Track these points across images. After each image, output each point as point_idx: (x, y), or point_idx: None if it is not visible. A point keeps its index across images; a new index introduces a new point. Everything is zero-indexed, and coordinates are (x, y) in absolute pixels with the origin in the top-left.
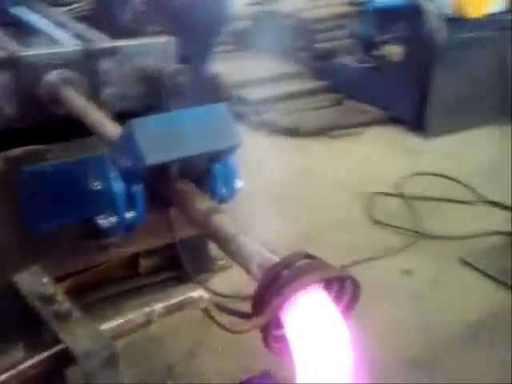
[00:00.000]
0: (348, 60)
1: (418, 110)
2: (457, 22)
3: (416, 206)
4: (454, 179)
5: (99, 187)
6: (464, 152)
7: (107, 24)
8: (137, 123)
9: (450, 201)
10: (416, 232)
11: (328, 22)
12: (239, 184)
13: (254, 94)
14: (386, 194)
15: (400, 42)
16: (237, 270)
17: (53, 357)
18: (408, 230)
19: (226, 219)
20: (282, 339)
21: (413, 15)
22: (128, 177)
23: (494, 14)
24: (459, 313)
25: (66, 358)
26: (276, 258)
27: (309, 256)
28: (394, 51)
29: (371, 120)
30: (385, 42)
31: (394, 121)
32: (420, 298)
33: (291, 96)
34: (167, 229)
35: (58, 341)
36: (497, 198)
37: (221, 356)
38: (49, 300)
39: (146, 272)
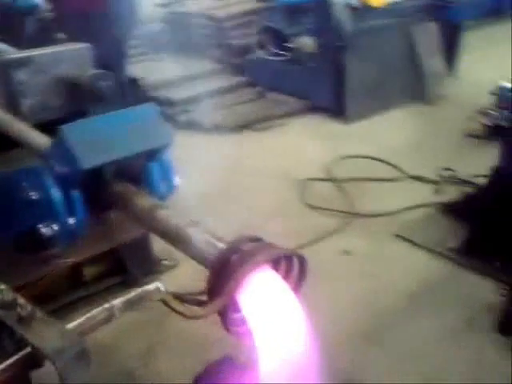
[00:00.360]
0: (263, 54)
1: (336, 97)
2: (363, 11)
3: (346, 187)
4: (378, 159)
5: (36, 197)
6: (383, 133)
7: (15, 36)
8: (68, 129)
9: (377, 180)
10: (349, 213)
11: (239, 18)
12: (177, 180)
13: (176, 94)
14: (317, 179)
15: (311, 33)
16: (181, 270)
17: (19, 361)
18: (342, 211)
19: (170, 214)
20: (241, 321)
21: (321, 6)
22: (64, 183)
23: (396, 2)
24: (399, 284)
25: (31, 362)
26: (224, 245)
27: (254, 239)
28: (306, 43)
29: (294, 110)
30: (296, 35)
31: (315, 109)
32: (362, 274)
33: (213, 93)
34: (108, 234)
35: (20, 347)
36: (419, 173)
37: (178, 354)
38: (10, 305)
39: (90, 280)
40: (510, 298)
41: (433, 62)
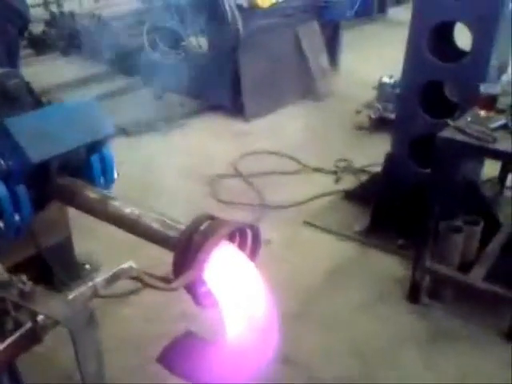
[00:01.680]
0: (156, 55)
1: (233, 96)
2: (251, 11)
3: (254, 182)
4: (280, 154)
5: None
6: (280, 129)
7: None
8: (13, 122)
9: (282, 173)
10: (261, 205)
11: (127, 18)
12: (115, 173)
13: (69, 98)
14: (226, 176)
15: (204, 33)
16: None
17: (22, 337)
18: (253, 204)
19: (122, 203)
20: (207, 294)
21: (211, 6)
22: (9, 178)
23: (280, 3)
24: (315, 266)
25: (34, 337)
26: (183, 226)
27: (210, 217)
28: (199, 43)
29: (193, 110)
30: (189, 35)
31: (214, 109)
32: (282, 260)
33: (107, 96)
34: (31, 239)
35: (20, 324)
36: (318, 165)
37: (120, 352)
38: (9, 284)
39: None
40: (413, 273)
41: (319, 59)
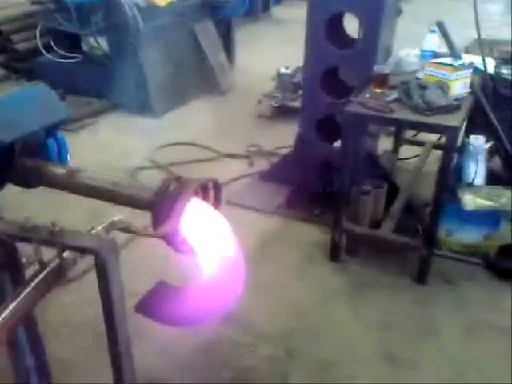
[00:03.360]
0: (53, 57)
1: (138, 94)
2: (149, 10)
3: (174, 171)
4: (192, 144)
5: None
6: (188, 122)
7: None
8: None
9: (198, 161)
10: None
11: (20, 21)
12: (69, 156)
13: None
14: (145, 168)
15: (103, 33)
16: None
17: (51, 272)
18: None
19: (91, 174)
20: (184, 242)
21: (109, 6)
22: None
23: (176, 2)
24: (245, 241)
25: (60, 272)
26: (153, 188)
27: (175, 178)
28: (99, 43)
29: (99, 110)
30: (88, 35)
31: (120, 107)
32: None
33: None
34: None
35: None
36: (230, 151)
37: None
38: (38, 227)
39: None
40: (332, 236)
41: (217, 56)
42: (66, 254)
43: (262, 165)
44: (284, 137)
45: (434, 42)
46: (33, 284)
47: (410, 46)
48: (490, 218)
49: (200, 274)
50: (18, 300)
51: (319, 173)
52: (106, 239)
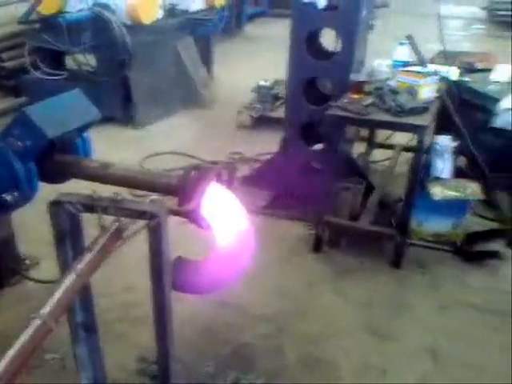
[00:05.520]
0: (39, 74)
1: (123, 107)
2: (135, 28)
3: None
4: (177, 153)
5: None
6: (173, 134)
7: None
8: (30, 109)
9: (184, 169)
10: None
11: (7, 41)
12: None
13: None
14: None
15: (90, 50)
16: (44, 266)
17: (113, 234)
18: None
19: (122, 166)
20: (204, 220)
21: (98, 24)
22: (23, 157)
23: (160, 20)
24: None
25: (119, 234)
26: (175, 176)
27: (195, 167)
28: (87, 60)
29: None
30: (74, 53)
31: (106, 120)
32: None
33: None
34: None
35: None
36: (214, 159)
37: None
38: (101, 198)
39: None
40: (316, 229)
41: (198, 71)
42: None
43: (244, 170)
44: (264, 145)
45: (404, 53)
46: (96, 248)
47: (381, 57)
48: (457, 208)
49: (216, 247)
50: (82, 265)
51: (301, 173)
52: (159, 204)
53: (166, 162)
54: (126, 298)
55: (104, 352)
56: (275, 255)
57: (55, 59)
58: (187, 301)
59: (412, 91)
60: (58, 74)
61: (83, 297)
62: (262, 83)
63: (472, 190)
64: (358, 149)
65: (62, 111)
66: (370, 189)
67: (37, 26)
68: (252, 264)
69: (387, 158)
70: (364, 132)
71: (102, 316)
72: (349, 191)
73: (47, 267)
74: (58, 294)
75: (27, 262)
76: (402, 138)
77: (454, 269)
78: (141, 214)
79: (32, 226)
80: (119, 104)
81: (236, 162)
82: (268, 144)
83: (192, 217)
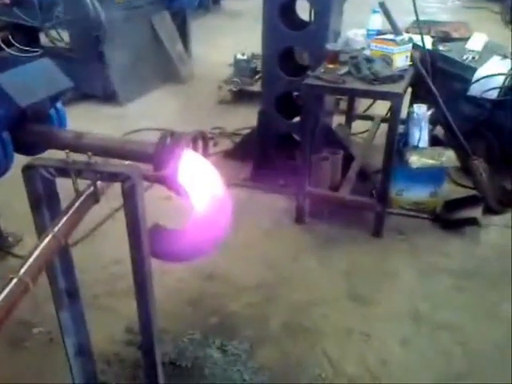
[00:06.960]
0: (12, 51)
1: (103, 83)
2: (108, 3)
3: None
4: (158, 129)
5: None
6: (154, 110)
7: None
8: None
9: None
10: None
11: None
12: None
13: None
14: None
15: (64, 25)
16: (26, 243)
17: (87, 197)
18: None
19: (96, 135)
20: (180, 186)
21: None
22: None
23: None
24: None
25: (95, 198)
26: (152, 143)
27: (170, 133)
28: (61, 37)
29: (65, 100)
30: (48, 28)
31: (86, 97)
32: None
33: None
34: None
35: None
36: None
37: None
38: (75, 162)
39: None
40: (297, 199)
41: (175, 46)
42: (98, 183)
43: (225, 145)
44: (245, 119)
45: (377, 22)
46: (71, 211)
47: (357, 28)
48: (434, 177)
49: (193, 214)
50: (59, 226)
51: (281, 146)
52: (134, 166)
53: (146, 138)
54: (114, 270)
55: (93, 323)
56: (259, 227)
57: (29, 36)
58: (174, 274)
59: (387, 59)
60: (32, 51)
61: (64, 262)
62: (240, 57)
63: (447, 157)
64: (338, 121)
65: (31, 80)
66: (350, 159)
67: (8, 0)
68: (235, 236)
69: (366, 130)
70: (344, 105)
71: (91, 289)
72: (327, 161)
73: (31, 244)
74: (34, 254)
75: (10, 239)
76: (382, 110)
77: (433, 236)
78: (115, 176)
79: (13, 203)
80: (96, 81)
81: (217, 136)
82: (248, 118)
83: (168, 183)
